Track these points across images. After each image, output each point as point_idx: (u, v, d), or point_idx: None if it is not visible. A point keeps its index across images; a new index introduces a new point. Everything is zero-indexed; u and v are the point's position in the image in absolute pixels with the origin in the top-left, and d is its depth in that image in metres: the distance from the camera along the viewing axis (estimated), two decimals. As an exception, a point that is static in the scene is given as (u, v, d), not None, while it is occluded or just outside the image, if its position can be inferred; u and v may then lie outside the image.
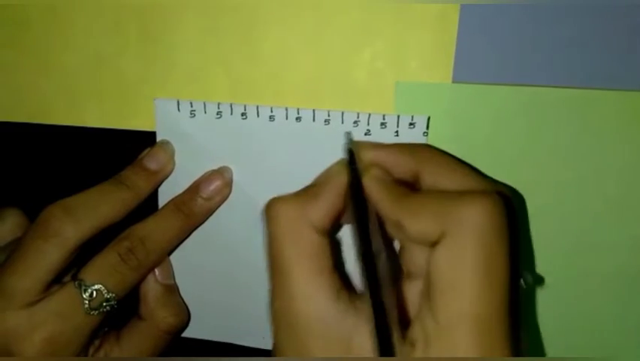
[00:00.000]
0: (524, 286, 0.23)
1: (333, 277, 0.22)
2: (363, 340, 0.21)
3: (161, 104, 0.30)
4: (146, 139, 0.30)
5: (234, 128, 0.29)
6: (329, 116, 0.28)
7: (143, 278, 0.29)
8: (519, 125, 0.27)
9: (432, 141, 0.28)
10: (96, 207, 0.27)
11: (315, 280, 0.22)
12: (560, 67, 0.27)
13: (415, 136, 0.28)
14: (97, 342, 0.29)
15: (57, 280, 0.27)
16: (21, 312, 0.26)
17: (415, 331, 0.20)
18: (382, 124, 0.28)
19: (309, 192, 0.23)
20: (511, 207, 0.21)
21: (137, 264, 0.27)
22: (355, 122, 0.28)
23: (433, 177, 0.23)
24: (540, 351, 0.30)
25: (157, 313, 0.30)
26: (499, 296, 0.20)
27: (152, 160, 0.29)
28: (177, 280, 0.32)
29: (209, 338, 0.33)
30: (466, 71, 0.27)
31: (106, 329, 0.30)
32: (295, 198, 0.23)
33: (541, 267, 0.29)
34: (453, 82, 0.27)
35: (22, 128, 0.32)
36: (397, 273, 0.24)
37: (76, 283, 0.27)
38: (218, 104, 0.29)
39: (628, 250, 0.28)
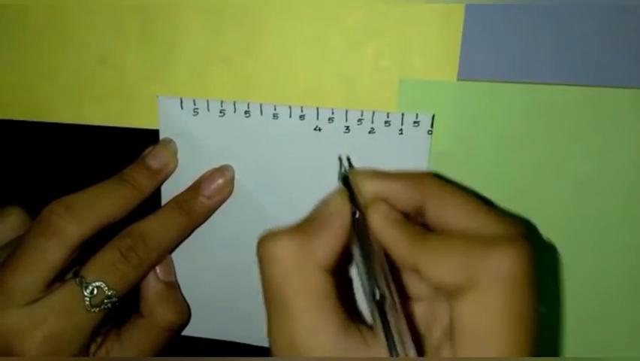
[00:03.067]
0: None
1: (340, 312, 0.21)
2: None
3: (164, 102, 0.30)
4: (149, 137, 0.30)
5: (237, 126, 0.29)
6: (333, 114, 0.28)
7: (144, 276, 0.29)
8: (525, 123, 0.27)
9: (436, 139, 0.28)
10: (98, 204, 0.27)
11: (321, 319, 0.21)
12: (566, 64, 0.26)
13: (419, 134, 0.27)
14: (98, 339, 0.29)
15: (59, 277, 0.27)
16: (22, 310, 0.26)
17: None
18: (386, 122, 0.28)
19: (309, 228, 0.22)
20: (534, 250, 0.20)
21: (138, 261, 0.27)
22: (359, 120, 0.28)
23: (440, 211, 0.22)
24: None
25: (158, 311, 0.30)
26: (528, 341, 0.19)
27: (154, 158, 0.29)
28: (178, 278, 0.32)
29: (210, 337, 0.33)
30: (471, 68, 0.27)
31: (108, 326, 0.30)
32: (295, 234, 0.21)
33: (551, 266, 0.29)
34: (458, 79, 0.27)
35: (25, 127, 0.32)
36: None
37: (77, 280, 0.26)
38: (222, 102, 0.29)
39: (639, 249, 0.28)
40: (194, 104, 0.29)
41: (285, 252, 0.21)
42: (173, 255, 0.31)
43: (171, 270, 0.31)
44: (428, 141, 0.28)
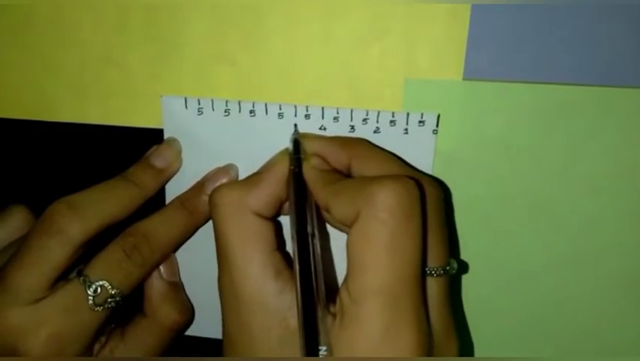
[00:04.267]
0: (452, 272, 0.24)
1: (273, 257, 0.24)
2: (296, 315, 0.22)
3: (169, 101, 0.30)
4: (154, 136, 0.30)
5: (242, 125, 0.29)
6: (338, 113, 0.28)
7: (148, 275, 0.29)
8: (530, 122, 0.27)
9: (442, 138, 0.28)
10: (102, 204, 0.27)
11: (254, 261, 0.24)
12: (572, 64, 0.26)
13: (424, 134, 0.27)
14: (102, 339, 0.29)
15: (63, 276, 0.27)
16: (26, 309, 0.26)
17: (337, 304, 0.22)
18: (391, 122, 0.27)
19: (251, 180, 0.25)
20: (422, 192, 0.22)
21: (141, 260, 0.27)
22: (364, 119, 0.28)
23: (361, 168, 0.25)
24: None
25: (161, 311, 0.30)
26: (407, 273, 0.21)
27: (158, 158, 0.29)
28: (182, 278, 0.32)
29: (214, 337, 0.33)
30: (477, 68, 0.27)
31: (112, 325, 0.29)
32: (237, 185, 0.25)
33: (550, 265, 0.29)
34: (464, 79, 0.27)
35: (29, 126, 0.32)
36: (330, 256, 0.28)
37: (81, 279, 0.26)
38: (226, 101, 0.29)
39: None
40: (199, 104, 0.29)
41: (223, 199, 0.25)
42: (177, 254, 0.31)
43: (175, 270, 0.31)
44: (433, 141, 0.27)
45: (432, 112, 0.27)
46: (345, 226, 0.22)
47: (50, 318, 0.26)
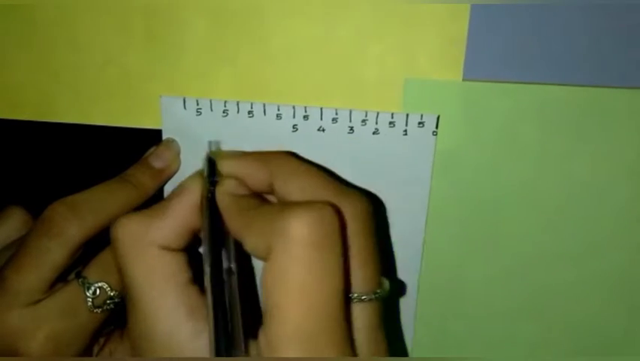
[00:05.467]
0: (384, 295, 0.22)
1: (187, 294, 0.22)
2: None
3: (168, 101, 0.29)
4: (152, 137, 0.30)
5: (241, 126, 0.29)
6: (337, 114, 0.28)
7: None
8: (530, 123, 0.27)
9: (442, 140, 0.27)
10: (101, 205, 0.27)
11: (163, 300, 0.21)
12: (572, 65, 0.26)
13: (424, 135, 0.27)
14: (101, 340, 0.29)
15: (61, 278, 0.27)
16: (25, 310, 0.26)
17: (256, 347, 0.20)
18: (391, 123, 0.27)
19: (155, 210, 0.23)
20: (341, 217, 0.20)
21: (140, 262, 0.27)
22: (363, 120, 0.28)
23: (283, 187, 0.23)
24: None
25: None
26: (325, 309, 0.19)
27: (157, 158, 0.29)
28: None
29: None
30: (477, 68, 0.26)
31: (111, 327, 0.29)
32: (140, 216, 0.22)
33: (550, 266, 0.29)
34: (463, 80, 0.27)
35: (28, 126, 0.32)
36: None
37: (80, 280, 0.26)
38: (225, 102, 0.29)
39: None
40: (198, 104, 0.29)
41: (126, 232, 0.22)
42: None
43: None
44: (433, 142, 0.27)
45: (432, 113, 0.27)
46: (260, 260, 0.20)
47: (49, 319, 0.26)
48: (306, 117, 0.28)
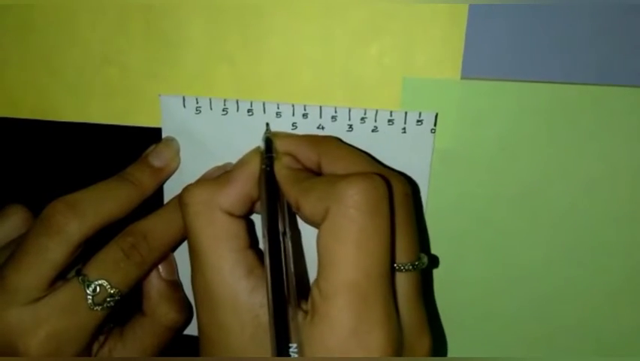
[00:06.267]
0: (422, 267, 0.24)
1: (245, 255, 0.24)
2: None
3: (167, 100, 0.30)
4: (152, 136, 0.30)
5: (240, 124, 0.29)
6: (336, 112, 0.28)
7: (146, 274, 0.29)
8: (528, 121, 0.27)
9: (440, 137, 0.28)
10: (100, 203, 0.27)
11: (226, 259, 0.24)
12: (570, 63, 0.26)
13: (422, 133, 0.27)
14: (101, 338, 0.29)
15: (61, 276, 0.27)
16: (25, 308, 0.26)
17: (308, 301, 0.22)
18: (389, 121, 0.27)
19: (221, 178, 0.26)
20: (390, 189, 0.23)
21: (140, 260, 0.27)
22: (362, 118, 0.28)
23: (331, 165, 0.25)
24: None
25: (160, 310, 0.30)
26: (375, 268, 0.21)
27: (157, 157, 0.29)
28: (181, 277, 0.32)
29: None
30: (475, 66, 0.27)
31: (111, 325, 0.29)
32: (208, 183, 0.25)
33: (553, 265, 0.29)
34: (462, 78, 0.27)
35: (28, 125, 0.32)
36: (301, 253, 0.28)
37: (80, 278, 0.26)
38: (225, 100, 0.29)
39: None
40: (197, 103, 0.29)
41: (193, 199, 0.25)
42: (176, 253, 0.31)
43: (174, 269, 0.31)
44: (431, 140, 0.27)
45: (430, 111, 0.27)
46: (315, 223, 0.23)
47: (49, 317, 0.26)
48: (305, 115, 0.28)
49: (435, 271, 0.30)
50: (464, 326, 0.31)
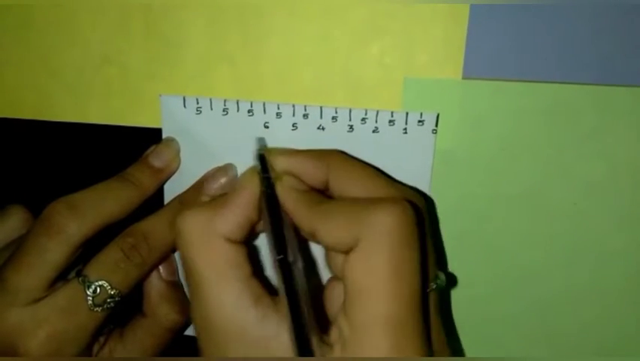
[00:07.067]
0: (442, 286, 0.24)
1: (250, 283, 0.22)
2: (282, 343, 0.21)
3: (167, 100, 0.29)
4: (152, 136, 0.30)
5: (241, 125, 0.29)
6: (336, 113, 0.28)
7: (146, 275, 0.29)
8: (529, 121, 0.27)
9: (441, 138, 0.28)
10: (101, 203, 0.27)
11: (230, 290, 0.22)
12: (571, 63, 0.26)
13: (423, 133, 0.27)
14: (101, 339, 0.29)
15: (62, 276, 0.27)
16: (25, 309, 0.26)
17: (333, 333, 0.21)
18: (390, 121, 0.27)
19: (218, 202, 0.24)
20: (419, 213, 0.22)
21: (140, 261, 0.27)
22: (363, 119, 0.28)
23: (342, 183, 0.24)
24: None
25: (160, 310, 0.29)
26: (411, 298, 0.20)
27: (157, 157, 0.29)
28: (181, 278, 0.32)
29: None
30: (476, 67, 0.27)
31: (111, 326, 0.29)
32: (204, 208, 0.23)
33: (554, 265, 0.29)
34: (463, 78, 0.27)
35: (28, 125, 0.32)
36: (315, 278, 0.26)
37: (80, 279, 0.26)
38: (225, 100, 0.29)
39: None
40: (197, 103, 0.29)
41: (188, 226, 0.23)
42: (176, 254, 0.31)
43: (174, 269, 0.31)
44: (433, 140, 0.27)
45: (431, 111, 0.27)
46: (338, 250, 0.21)
47: (49, 318, 0.26)
48: (305, 116, 0.28)
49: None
50: (464, 326, 0.31)
